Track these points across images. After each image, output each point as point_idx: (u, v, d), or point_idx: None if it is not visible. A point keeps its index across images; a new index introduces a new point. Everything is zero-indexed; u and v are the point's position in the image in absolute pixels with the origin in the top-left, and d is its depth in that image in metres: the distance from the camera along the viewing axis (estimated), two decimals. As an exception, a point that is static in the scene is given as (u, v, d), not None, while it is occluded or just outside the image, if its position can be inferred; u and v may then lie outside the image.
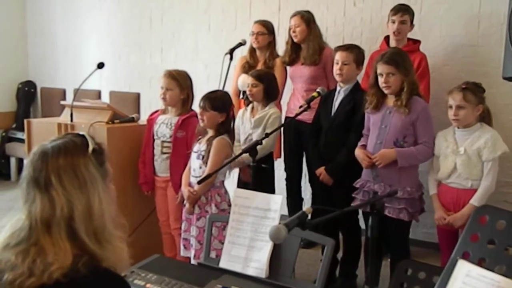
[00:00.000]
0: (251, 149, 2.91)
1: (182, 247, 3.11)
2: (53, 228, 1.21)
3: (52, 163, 1.24)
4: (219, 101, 3.00)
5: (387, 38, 3.82)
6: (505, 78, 2.57)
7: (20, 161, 6.09)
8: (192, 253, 3.01)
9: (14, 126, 6.39)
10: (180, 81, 3.28)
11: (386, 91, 2.94)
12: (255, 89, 3.40)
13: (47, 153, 1.25)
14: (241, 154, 3.08)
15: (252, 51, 4.11)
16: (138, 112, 4.74)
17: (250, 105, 3.52)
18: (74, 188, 1.23)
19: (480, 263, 1.46)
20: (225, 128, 3.03)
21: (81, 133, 1.34)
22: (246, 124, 3.47)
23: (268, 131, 3.27)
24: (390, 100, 2.97)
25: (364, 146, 3.07)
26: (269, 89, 3.45)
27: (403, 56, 2.96)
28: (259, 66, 4.01)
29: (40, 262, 1.17)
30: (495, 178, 2.84)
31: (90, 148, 1.29)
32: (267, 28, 4.06)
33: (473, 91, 2.83)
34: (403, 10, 3.69)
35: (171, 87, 3.27)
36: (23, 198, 1.26)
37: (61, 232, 1.20)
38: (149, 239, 3.26)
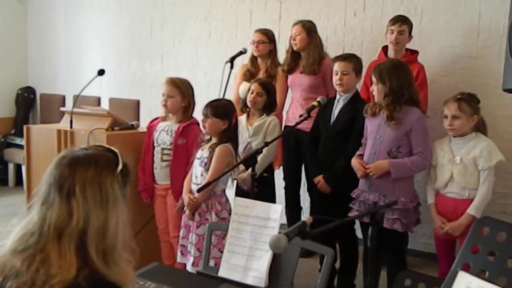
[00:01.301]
0: (251, 158, 2.92)
1: (179, 253, 3.10)
2: (64, 238, 1.19)
3: (80, 173, 1.22)
4: (221, 109, 3.01)
5: (385, 48, 3.84)
6: (505, 90, 2.59)
7: (18, 167, 6.08)
8: (190, 260, 3.00)
9: (13, 132, 6.38)
10: (182, 89, 3.28)
11: (375, 99, 2.99)
12: (260, 98, 3.43)
13: (78, 161, 1.24)
14: (240, 163, 3.09)
15: (253, 59, 4.12)
16: (138, 119, 4.74)
17: (245, 113, 3.52)
18: (95, 203, 1.21)
19: (480, 275, 1.46)
20: (228, 136, 3.02)
21: (113, 149, 1.32)
22: (243, 132, 3.46)
23: (268, 138, 3.28)
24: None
25: (361, 156, 3.08)
26: (271, 101, 3.50)
27: (391, 69, 2.94)
28: (261, 75, 4.01)
29: (43, 273, 1.16)
30: (491, 187, 2.86)
31: (120, 167, 1.27)
32: (267, 37, 4.07)
33: (468, 101, 2.87)
34: (402, 21, 3.72)
35: (173, 94, 3.27)
36: (40, 199, 1.23)
37: (71, 243, 1.19)
38: (148, 247, 3.23)
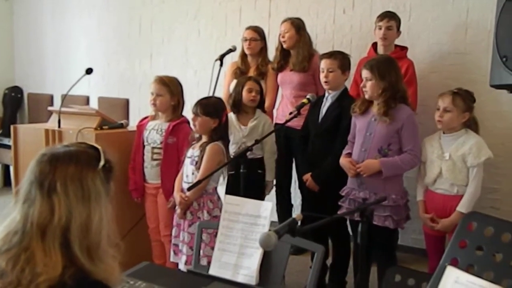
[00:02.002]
0: (241, 156, 2.91)
1: (172, 252, 3.10)
2: (47, 235, 1.18)
3: (61, 169, 1.21)
4: (211, 107, 3.00)
5: (374, 45, 3.85)
6: (492, 86, 2.60)
7: (6, 168, 6.02)
8: (183, 259, 2.99)
9: (0, 132, 6.32)
10: (170, 87, 3.26)
11: (366, 96, 2.96)
12: (258, 96, 3.43)
13: (58, 157, 1.23)
14: (231, 160, 3.08)
15: (243, 57, 4.11)
16: (127, 118, 4.72)
17: (235, 113, 3.49)
18: (77, 200, 1.20)
19: (468, 269, 1.47)
20: (219, 134, 3.02)
21: (95, 145, 1.31)
22: (236, 133, 3.45)
23: (265, 139, 3.26)
24: (375, 107, 2.97)
25: (350, 154, 3.06)
26: (264, 98, 3.50)
27: (387, 64, 2.94)
28: (251, 72, 4.01)
29: (29, 272, 1.15)
30: (480, 184, 2.86)
31: (101, 163, 1.26)
32: (259, 34, 4.07)
33: (463, 97, 2.87)
34: (389, 16, 3.74)
35: (162, 93, 3.26)
36: (22, 197, 1.22)
37: (55, 241, 1.18)
38: (138, 246, 3.23)
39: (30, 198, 1.21)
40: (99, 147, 1.30)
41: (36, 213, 1.19)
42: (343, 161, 3.06)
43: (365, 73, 2.93)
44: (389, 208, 2.89)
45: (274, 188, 4.07)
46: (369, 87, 2.91)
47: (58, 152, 1.24)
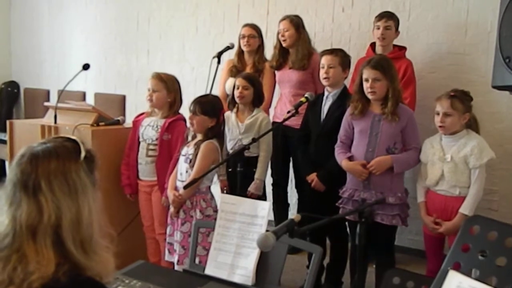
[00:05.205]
0: (238, 154, 2.89)
1: (166, 251, 3.07)
2: (38, 235, 1.16)
3: (42, 167, 1.18)
4: (209, 106, 2.97)
5: (373, 45, 3.83)
6: (494, 87, 2.57)
7: (1, 163, 5.97)
8: (175, 258, 2.97)
9: (-4, 127, 6.28)
10: (167, 84, 3.25)
11: (371, 97, 2.92)
12: (246, 92, 3.37)
13: (38, 156, 1.20)
14: (228, 159, 3.06)
15: (240, 54, 4.09)
16: (124, 114, 4.68)
17: (235, 109, 3.46)
18: (64, 195, 1.18)
19: (471, 274, 1.44)
20: (214, 132, 2.99)
21: (72, 137, 1.28)
22: (233, 129, 3.42)
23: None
24: (376, 107, 2.95)
25: (350, 157, 3.01)
26: (259, 93, 3.43)
27: (390, 63, 2.97)
28: (247, 70, 3.98)
29: (21, 271, 1.13)
30: (483, 185, 2.84)
31: (82, 154, 1.24)
32: (257, 32, 4.06)
33: (461, 99, 2.84)
34: (387, 16, 3.73)
35: (158, 88, 3.23)
36: (7, 201, 1.20)
37: (47, 239, 1.16)
38: (133, 244, 3.20)
39: (15, 201, 1.19)
40: (77, 138, 1.28)
41: (24, 215, 1.16)
42: (350, 165, 2.98)
43: (373, 73, 2.88)
44: (397, 206, 2.89)
45: (271, 187, 4.08)
46: (378, 88, 2.88)
47: (36, 150, 1.22)
